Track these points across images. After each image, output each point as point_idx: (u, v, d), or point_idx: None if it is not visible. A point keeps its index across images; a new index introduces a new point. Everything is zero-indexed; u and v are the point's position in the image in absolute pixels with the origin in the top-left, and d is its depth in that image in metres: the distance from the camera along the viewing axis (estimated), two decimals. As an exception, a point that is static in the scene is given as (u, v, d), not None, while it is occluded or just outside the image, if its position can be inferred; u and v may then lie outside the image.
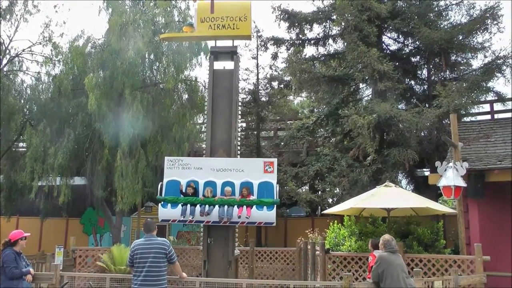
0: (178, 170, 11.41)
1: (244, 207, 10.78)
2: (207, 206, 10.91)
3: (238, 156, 12.18)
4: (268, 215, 10.82)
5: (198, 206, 10.97)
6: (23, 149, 21.39)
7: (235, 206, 10.83)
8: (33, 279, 8.71)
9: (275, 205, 10.92)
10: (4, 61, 21.01)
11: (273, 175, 11.14)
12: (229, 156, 11.67)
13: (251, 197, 10.86)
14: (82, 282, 10.14)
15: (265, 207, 10.81)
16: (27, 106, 21.33)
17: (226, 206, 10.85)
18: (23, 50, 21.39)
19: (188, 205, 10.98)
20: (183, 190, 11.09)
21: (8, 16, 20.87)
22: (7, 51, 21.17)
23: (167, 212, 11.17)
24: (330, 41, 22.30)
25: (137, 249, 7.54)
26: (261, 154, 23.62)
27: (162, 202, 11.22)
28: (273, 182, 11.06)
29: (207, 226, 11.31)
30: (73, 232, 23.54)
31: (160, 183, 11.37)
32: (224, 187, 11.08)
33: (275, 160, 11.68)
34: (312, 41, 22.28)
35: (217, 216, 10.82)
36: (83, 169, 19.76)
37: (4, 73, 20.70)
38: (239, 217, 10.75)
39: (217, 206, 10.85)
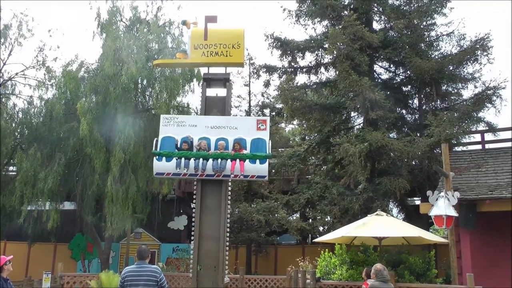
0: (173, 128, 11.52)
1: (237, 161, 10.83)
2: (201, 160, 10.94)
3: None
4: (260, 168, 10.88)
5: (192, 160, 11.00)
6: (13, 173, 21.22)
7: (229, 160, 10.88)
8: (19, 306, 8.54)
9: (267, 159, 11.01)
10: (-3, 84, 21.01)
11: (265, 133, 11.27)
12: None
13: (244, 151, 10.93)
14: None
15: (257, 161, 10.87)
16: (19, 130, 21.24)
17: (219, 160, 10.89)
18: (16, 74, 21.47)
19: (183, 159, 11.01)
20: (178, 146, 11.14)
21: (2, 40, 20.93)
22: (1, 74, 21.17)
23: (162, 165, 11.18)
24: (322, 69, 22.41)
25: (128, 275, 7.42)
26: (252, 182, 23.54)
27: (157, 156, 11.25)
28: (266, 139, 11.19)
29: (196, 252, 11.21)
30: (61, 258, 23.22)
31: (156, 139, 11.39)
32: (217, 143, 11.20)
33: (267, 118, 11.86)
34: (304, 69, 22.39)
35: (211, 169, 10.83)
36: (73, 194, 19.65)
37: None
38: (232, 172, 10.77)
39: (211, 160, 10.88)
